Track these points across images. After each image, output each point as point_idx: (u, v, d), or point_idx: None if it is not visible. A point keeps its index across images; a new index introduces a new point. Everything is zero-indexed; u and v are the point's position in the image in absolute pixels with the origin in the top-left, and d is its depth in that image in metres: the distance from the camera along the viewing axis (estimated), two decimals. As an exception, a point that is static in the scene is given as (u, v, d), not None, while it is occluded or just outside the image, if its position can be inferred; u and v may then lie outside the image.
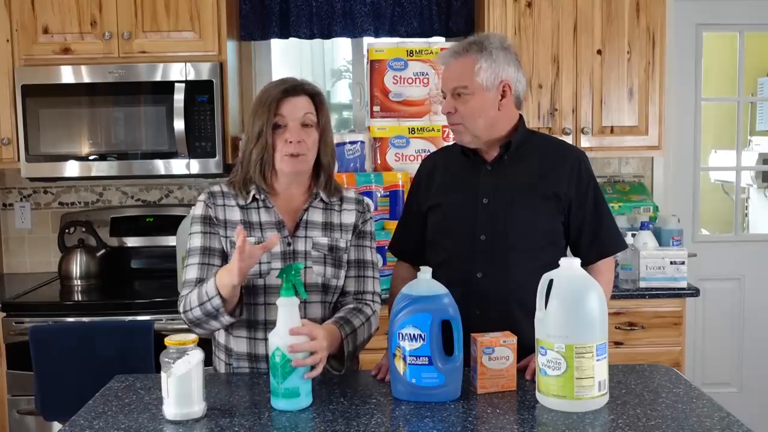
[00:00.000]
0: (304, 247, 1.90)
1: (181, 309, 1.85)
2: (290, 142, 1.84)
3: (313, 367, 1.65)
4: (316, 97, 1.91)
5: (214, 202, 1.91)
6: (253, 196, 1.90)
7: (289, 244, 1.89)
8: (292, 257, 1.88)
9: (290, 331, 1.61)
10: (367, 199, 2.06)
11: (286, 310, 1.64)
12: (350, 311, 1.88)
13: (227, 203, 1.92)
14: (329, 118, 1.95)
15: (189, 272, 1.88)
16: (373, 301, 1.97)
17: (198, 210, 1.92)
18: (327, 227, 1.94)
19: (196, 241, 1.90)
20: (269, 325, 1.86)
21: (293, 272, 1.63)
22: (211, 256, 1.88)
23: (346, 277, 1.95)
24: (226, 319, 1.79)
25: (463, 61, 1.94)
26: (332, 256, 1.91)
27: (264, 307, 1.87)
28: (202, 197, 1.93)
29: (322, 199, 1.94)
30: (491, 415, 1.58)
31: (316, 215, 1.93)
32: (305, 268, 1.88)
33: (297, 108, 1.86)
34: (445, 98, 2.00)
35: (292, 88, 1.88)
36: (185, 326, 1.89)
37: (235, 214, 1.90)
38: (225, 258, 1.89)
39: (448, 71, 1.98)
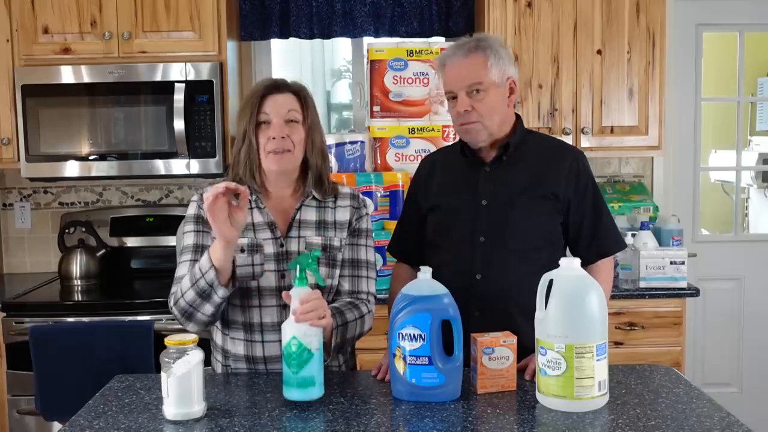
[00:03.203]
0: (297, 247, 1.88)
1: (171, 302, 1.83)
2: (273, 138, 1.81)
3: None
4: (301, 94, 1.87)
5: None
6: None
7: (281, 245, 1.88)
8: (285, 258, 1.87)
9: (300, 300, 1.61)
10: (364, 197, 2.04)
11: (299, 300, 1.63)
12: (346, 304, 1.85)
13: None
14: (317, 118, 1.91)
15: (180, 269, 1.87)
16: (368, 300, 1.93)
17: (191, 210, 1.92)
18: (320, 226, 1.92)
19: (189, 239, 1.90)
20: (265, 327, 1.87)
21: (310, 260, 1.64)
22: (204, 253, 1.87)
23: (340, 276, 1.92)
24: (221, 294, 1.73)
25: (474, 59, 1.93)
26: (326, 256, 1.89)
27: (259, 309, 1.86)
28: (195, 198, 1.93)
29: (315, 197, 1.92)
30: (491, 415, 1.58)
31: (309, 214, 1.92)
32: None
33: (280, 104, 1.83)
34: (450, 99, 1.98)
35: (275, 85, 1.86)
36: (185, 326, 1.88)
37: None
38: None
39: (458, 70, 1.94)
